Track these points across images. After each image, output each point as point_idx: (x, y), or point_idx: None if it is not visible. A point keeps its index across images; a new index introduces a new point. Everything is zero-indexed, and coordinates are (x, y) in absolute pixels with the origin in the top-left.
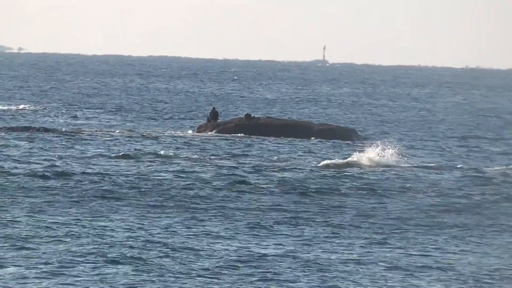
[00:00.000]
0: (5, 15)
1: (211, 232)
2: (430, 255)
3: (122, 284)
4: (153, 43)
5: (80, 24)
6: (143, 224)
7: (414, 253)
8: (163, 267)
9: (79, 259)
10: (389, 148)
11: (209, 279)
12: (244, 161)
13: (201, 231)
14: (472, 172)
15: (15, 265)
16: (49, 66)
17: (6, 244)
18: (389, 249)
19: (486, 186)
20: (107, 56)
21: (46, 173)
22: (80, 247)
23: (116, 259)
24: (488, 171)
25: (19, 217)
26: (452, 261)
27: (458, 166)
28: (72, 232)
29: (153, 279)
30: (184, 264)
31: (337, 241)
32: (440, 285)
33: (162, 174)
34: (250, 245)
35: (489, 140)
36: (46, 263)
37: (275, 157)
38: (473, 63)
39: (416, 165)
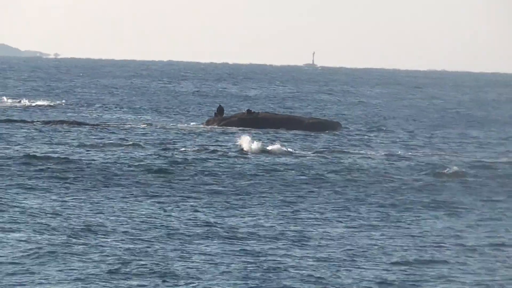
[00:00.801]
0: (43, 24)
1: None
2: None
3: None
4: (161, 47)
5: (108, 32)
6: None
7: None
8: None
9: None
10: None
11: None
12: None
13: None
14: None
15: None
16: (89, 69)
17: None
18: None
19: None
20: (128, 61)
21: (97, 159)
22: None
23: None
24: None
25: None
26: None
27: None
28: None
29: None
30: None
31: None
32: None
33: (177, 156)
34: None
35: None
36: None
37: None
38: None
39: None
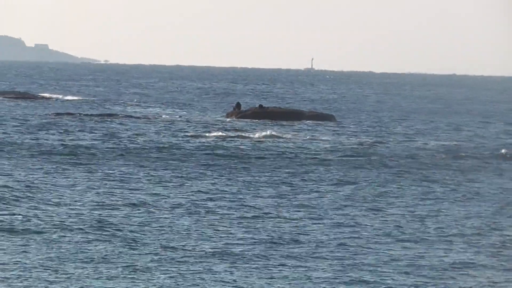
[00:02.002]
0: (94, 32)
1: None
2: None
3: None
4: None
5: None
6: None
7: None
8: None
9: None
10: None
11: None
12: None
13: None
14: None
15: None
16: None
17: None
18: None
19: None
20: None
21: (148, 146)
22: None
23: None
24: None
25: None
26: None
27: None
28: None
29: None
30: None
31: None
32: None
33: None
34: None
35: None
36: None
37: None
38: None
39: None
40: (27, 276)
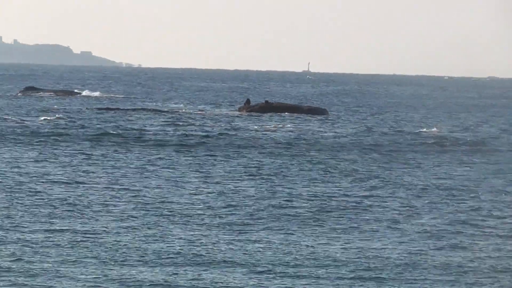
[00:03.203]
0: (128, 38)
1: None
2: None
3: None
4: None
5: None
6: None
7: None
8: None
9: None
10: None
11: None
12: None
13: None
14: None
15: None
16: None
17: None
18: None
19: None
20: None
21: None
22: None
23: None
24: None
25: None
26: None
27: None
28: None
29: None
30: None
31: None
32: None
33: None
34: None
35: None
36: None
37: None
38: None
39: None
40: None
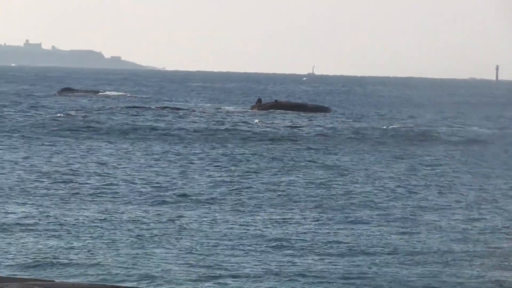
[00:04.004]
0: (154, 44)
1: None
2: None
3: None
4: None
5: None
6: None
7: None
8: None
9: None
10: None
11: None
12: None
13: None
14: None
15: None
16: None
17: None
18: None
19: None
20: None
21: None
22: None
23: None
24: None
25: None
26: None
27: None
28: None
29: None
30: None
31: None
32: None
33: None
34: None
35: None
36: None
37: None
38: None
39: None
40: None
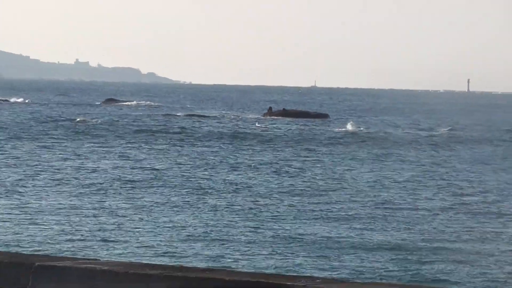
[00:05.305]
0: (184, 61)
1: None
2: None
3: None
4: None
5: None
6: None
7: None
8: None
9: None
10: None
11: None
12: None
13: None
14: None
15: None
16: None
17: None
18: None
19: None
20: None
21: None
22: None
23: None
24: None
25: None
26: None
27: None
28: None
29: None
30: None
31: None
32: None
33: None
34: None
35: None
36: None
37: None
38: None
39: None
40: None
